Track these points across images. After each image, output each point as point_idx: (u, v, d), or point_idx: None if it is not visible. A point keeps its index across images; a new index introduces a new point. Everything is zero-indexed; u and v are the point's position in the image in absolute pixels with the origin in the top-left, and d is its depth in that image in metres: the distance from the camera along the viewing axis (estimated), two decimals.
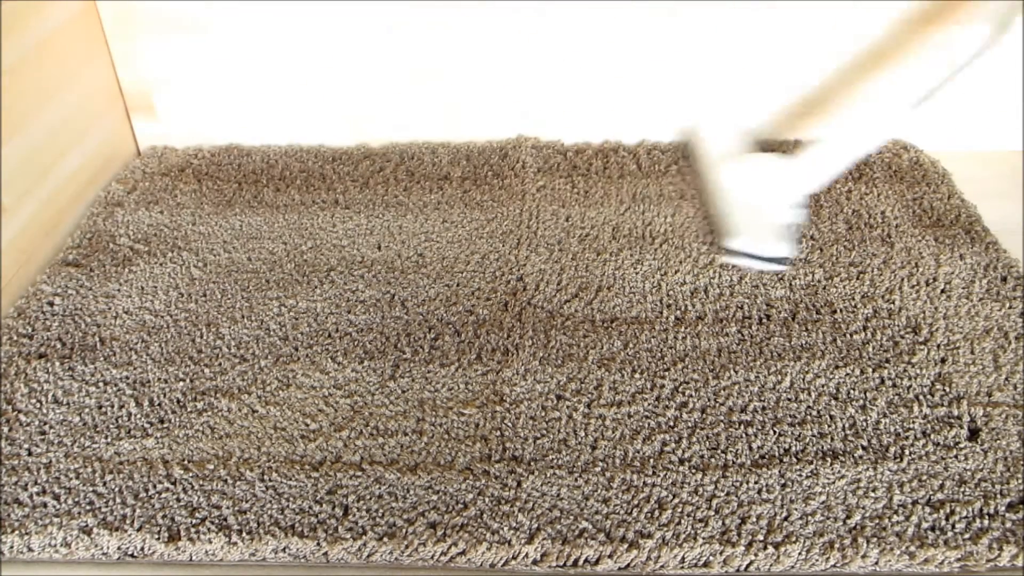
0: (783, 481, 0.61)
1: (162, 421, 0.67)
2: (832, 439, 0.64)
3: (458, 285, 0.80)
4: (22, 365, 0.72)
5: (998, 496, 0.59)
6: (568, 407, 0.67)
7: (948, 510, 0.58)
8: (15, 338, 0.75)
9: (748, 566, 0.56)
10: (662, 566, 0.57)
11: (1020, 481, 0.60)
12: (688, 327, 0.75)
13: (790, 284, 0.80)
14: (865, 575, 0.57)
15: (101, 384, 0.70)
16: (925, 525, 0.57)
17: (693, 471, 0.62)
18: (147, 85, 1.03)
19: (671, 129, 1.04)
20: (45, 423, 0.66)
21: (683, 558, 0.57)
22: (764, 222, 0.84)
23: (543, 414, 0.67)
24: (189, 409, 0.68)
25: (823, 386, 0.69)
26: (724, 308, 0.77)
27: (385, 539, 0.57)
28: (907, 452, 0.63)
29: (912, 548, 0.56)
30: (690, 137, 1.03)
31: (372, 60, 1.01)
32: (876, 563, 0.56)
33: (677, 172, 0.97)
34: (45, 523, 0.58)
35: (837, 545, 0.56)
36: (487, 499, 0.60)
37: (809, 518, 0.58)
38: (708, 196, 0.93)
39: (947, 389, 0.68)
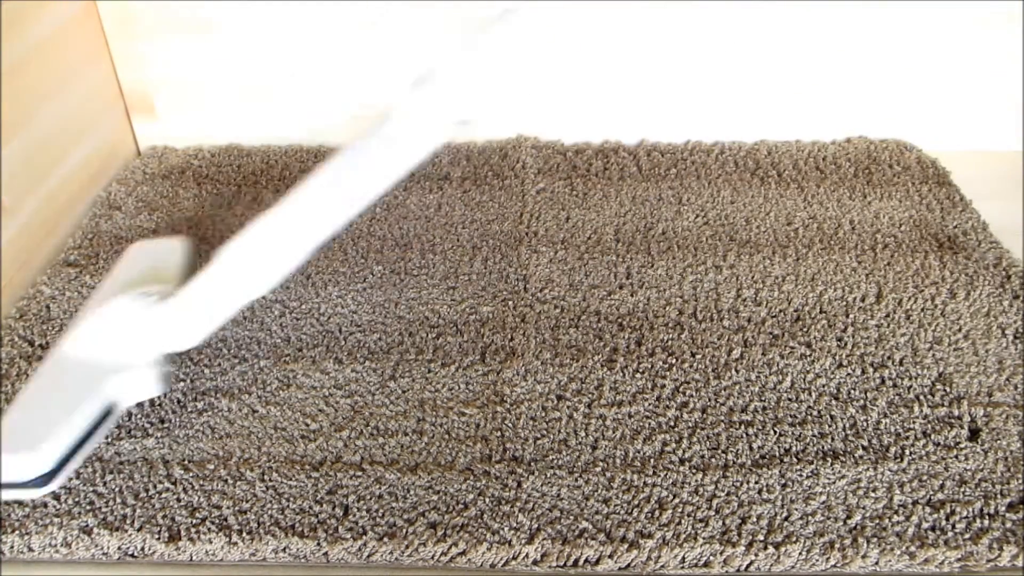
0: (783, 481, 0.61)
1: (162, 421, 0.67)
2: (832, 439, 0.64)
3: (459, 286, 0.80)
4: (23, 366, 0.72)
5: (998, 496, 0.59)
6: (569, 407, 0.67)
7: (948, 510, 0.58)
8: (16, 339, 0.75)
9: (748, 566, 0.56)
10: (662, 566, 0.57)
11: (1020, 481, 0.60)
12: (689, 327, 0.75)
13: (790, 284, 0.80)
14: (865, 575, 0.57)
15: None
16: (925, 525, 0.57)
17: (693, 471, 0.62)
18: (147, 85, 1.03)
19: (671, 130, 1.04)
20: None
21: (683, 558, 0.57)
22: (43, 418, 0.56)
23: (543, 414, 0.67)
24: (189, 409, 0.68)
25: (824, 386, 0.69)
26: (724, 308, 0.77)
27: (385, 539, 0.57)
28: (907, 452, 0.63)
29: (912, 548, 0.56)
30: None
31: (373, 60, 1.01)
32: (876, 563, 0.56)
33: (676, 174, 0.97)
34: (45, 523, 0.58)
35: (837, 545, 0.56)
36: (487, 499, 0.60)
37: (809, 518, 0.58)
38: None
39: (947, 389, 0.68)
